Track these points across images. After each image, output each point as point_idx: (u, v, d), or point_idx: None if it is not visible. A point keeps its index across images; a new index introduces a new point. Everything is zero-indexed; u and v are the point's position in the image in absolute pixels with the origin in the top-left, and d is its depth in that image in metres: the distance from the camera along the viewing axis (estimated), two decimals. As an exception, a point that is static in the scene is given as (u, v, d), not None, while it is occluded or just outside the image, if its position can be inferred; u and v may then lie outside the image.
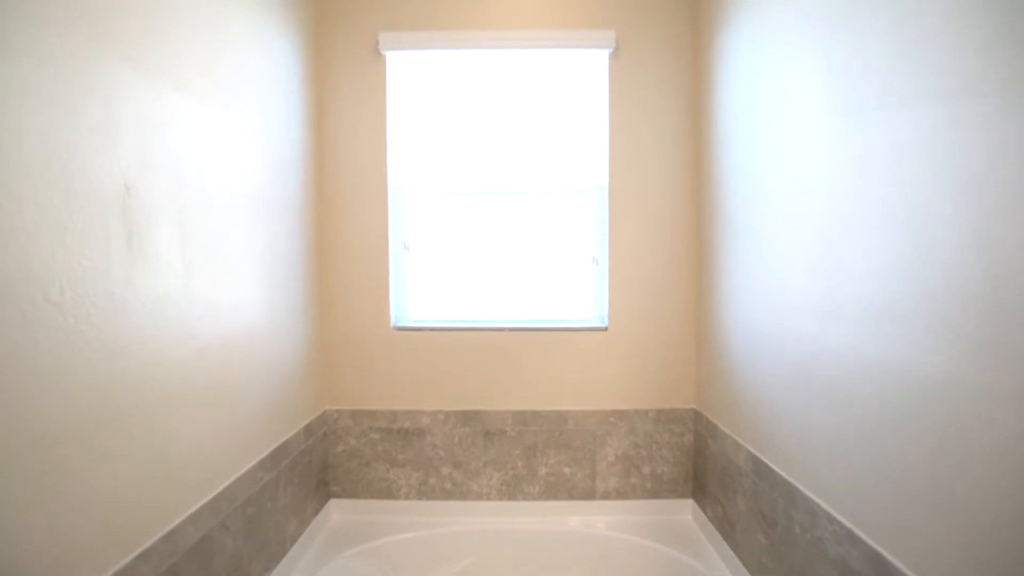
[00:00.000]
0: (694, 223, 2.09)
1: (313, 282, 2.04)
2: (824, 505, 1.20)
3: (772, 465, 1.46)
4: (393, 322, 2.12)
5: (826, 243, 1.20)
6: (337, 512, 2.13)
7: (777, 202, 1.44)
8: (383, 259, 2.10)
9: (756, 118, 1.56)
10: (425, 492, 2.13)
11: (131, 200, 1.09)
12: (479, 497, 2.13)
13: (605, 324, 2.11)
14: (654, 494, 2.12)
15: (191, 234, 1.30)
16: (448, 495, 2.13)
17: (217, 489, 1.38)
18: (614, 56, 2.06)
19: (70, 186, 0.94)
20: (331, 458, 2.14)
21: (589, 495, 2.12)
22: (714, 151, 1.89)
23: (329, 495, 2.14)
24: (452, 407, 2.11)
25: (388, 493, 2.13)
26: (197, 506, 1.29)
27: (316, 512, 2.02)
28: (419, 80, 2.12)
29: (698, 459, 2.07)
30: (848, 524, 1.12)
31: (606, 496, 2.12)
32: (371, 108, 2.08)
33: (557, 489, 2.12)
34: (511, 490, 2.12)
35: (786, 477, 1.37)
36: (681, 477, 2.13)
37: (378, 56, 2.07)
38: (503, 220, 2.15)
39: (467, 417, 2.11)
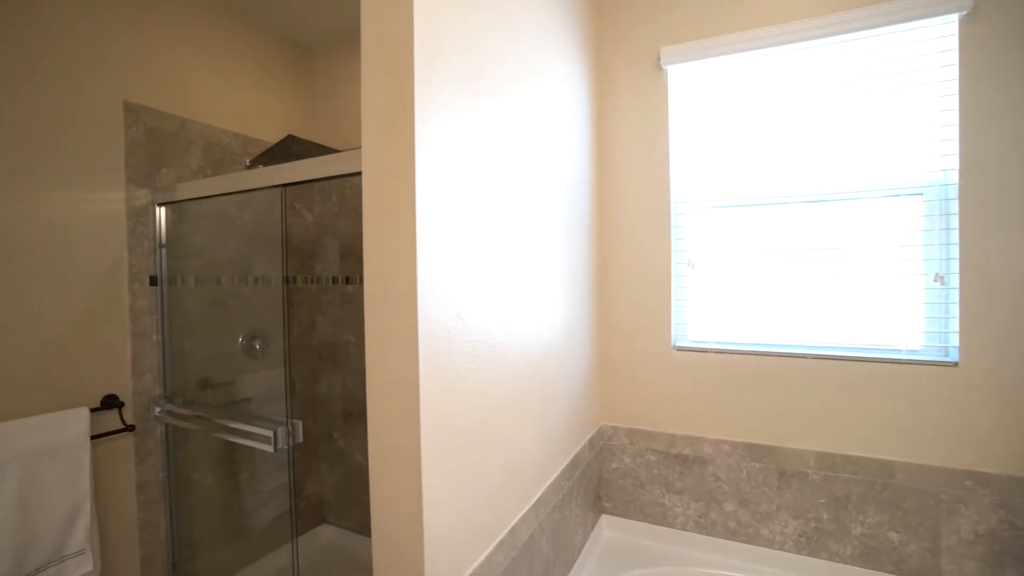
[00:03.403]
0: (1111, 226, 1.50)
1: (596, 300, 2.10)
2: None
3: None
4: (673, 342, 2.05)
5: None
6: (608, 528, 2.14)
7: None
8: (665, 277, 2.05)
9: None
10: (704, 526, 1.98)
11: (497, 229, 1.25)
12: (769, 544, 1.88)
13: (954, 358, 1.66)
14: (1041, 596, 1.57)
15: (531, 257, 1.43)
16: (732, 535, 1.94)
17: (538, 493, 1.49)
18: (968, 20, 1.63)
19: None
20: (605, 474, 2.16)
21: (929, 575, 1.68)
22: None
23: (602, 510, 2.16)
24: (739, 438, 1.92)
25: (663, 519, 2.05)
26: (527, 507, 1.41)
27: (593, 525, 2.05)
28: (703, 90, 2.02)
29: (1126, 560, 1.45)
30: None
31: (955, 581, 1.65)
32: (652, 124, 2.06)
33: (878, 556, 1.74)
34: (812, 544, 1.82)
35: None
36: (1090, 580, 1.53)
37: (659, 71, 2.04)
38: (802, 232, 1.89)
39: (757, 451, 1.89)
